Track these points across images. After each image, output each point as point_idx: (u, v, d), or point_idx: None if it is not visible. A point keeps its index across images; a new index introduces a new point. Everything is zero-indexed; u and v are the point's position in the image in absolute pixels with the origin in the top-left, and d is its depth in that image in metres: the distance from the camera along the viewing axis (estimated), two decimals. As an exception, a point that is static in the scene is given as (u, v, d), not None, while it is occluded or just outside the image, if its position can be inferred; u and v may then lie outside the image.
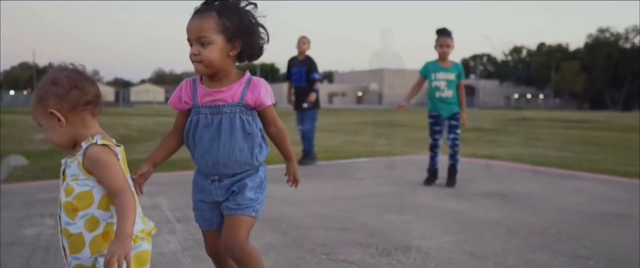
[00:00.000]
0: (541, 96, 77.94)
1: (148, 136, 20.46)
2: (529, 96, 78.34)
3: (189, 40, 1.83)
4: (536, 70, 76.51)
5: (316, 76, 6.80)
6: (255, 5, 1.91)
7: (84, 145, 1.55)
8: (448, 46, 5.20)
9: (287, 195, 4.75)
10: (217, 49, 1.81)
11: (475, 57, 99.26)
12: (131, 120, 25.84)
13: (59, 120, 1.56)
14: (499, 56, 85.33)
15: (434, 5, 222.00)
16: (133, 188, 1.61)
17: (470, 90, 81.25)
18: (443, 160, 5.51)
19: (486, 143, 13.03)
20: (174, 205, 4.35)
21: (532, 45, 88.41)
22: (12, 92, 56.32)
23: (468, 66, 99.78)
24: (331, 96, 73.08)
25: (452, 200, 4.60)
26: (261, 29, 1.89)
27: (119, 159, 1.58)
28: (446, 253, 3.08)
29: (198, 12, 1.83)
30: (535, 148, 11.13)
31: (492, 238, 3.40)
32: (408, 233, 3.51)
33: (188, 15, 1.87)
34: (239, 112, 1.88)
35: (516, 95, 75.89)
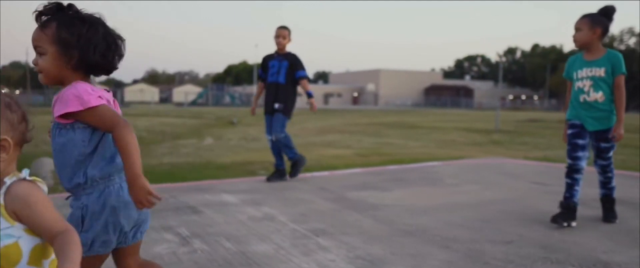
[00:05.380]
0: (535, 97, 78.19)
1: (159, 137, 20.00)
2: (523, 97, 78.56)
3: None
4: (531, 72, 76.73)
5: (304, 74, 5.44)
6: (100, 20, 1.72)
7: (7, 181, 1.24)
8: (577, 30, 3.64)
9: (399, 203, 4.37)
10: (51, 59, 1.65)
11: (469, 58, 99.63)
12: (134, 120, 25.28)
13: (3, 151, 1.28)
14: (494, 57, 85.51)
15: (429, 6, 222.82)
16: None
17: (467, 92, 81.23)
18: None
19: (521, 145, 12.76)
20: (289, 214, 3.94)
21: (526, 46, 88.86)
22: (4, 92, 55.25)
23: (462, 67, 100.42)
24: (327, 97, 72.73)
25: (582, 209, 4.24)
26: (109, 42, 1.70)
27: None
28: (655, 272, 2.73)
29: (39, 20, 1.68)
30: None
31: (682, 253, 3.05)
32: (584, 246, 3.16)
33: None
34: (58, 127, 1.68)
35: (511, 97, 76.08)
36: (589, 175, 4.42)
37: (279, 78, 5.36)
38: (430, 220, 3.79)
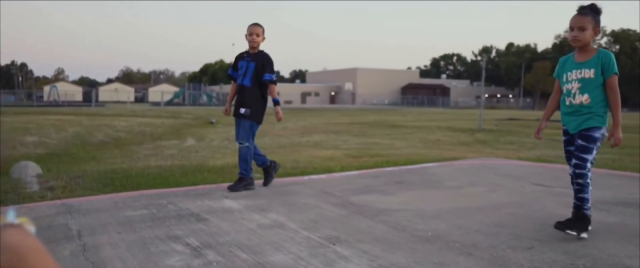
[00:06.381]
0: (510, 96, 79.29)
1: (139, 138, 19.65)
2: (498, 95, 79.57)
3: None
4: (506, 70, 77.76)
5: (273, 77, 5.04)
6: None
7: None
8: (581, 29, 3.37)
9: (407, 207, 4.28)
10: None
11: (445, 57, 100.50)
12: (112, 121, 24.91)
13: None
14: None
15: (406, 6, 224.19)
16: None
17: (443, 91, 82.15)
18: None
19: (507, 144, 12.83)
20: (298, 221, 3.82)
21: (501, 45, 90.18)
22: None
23: (438, 66, 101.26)
24: (304, 96, 72.65)
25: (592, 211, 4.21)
26: None
27: None
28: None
29: None
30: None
31: None
32: (606, 251, 3.12)
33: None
34: None
35: (486, 95, 77.07)
36: (594, 177, 4.40)
37: (244, 81, 5.04)
38: (444, 225, 3.71)
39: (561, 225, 3.38)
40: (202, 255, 3.03)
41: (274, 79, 5.06)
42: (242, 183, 5.06)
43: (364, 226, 3.69)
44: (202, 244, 3.24)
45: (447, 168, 6.66)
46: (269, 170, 5.32)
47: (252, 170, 5.15)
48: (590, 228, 3.59)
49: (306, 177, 5.96)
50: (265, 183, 5.30)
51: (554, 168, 6.68)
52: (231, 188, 5.02)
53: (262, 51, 5.12)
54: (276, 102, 5.06)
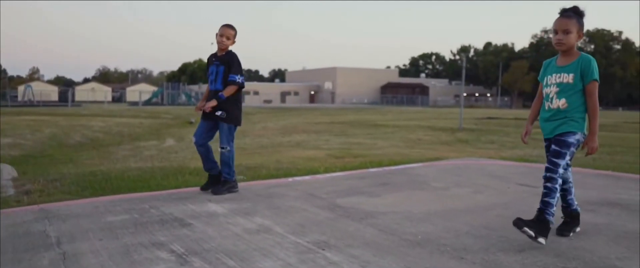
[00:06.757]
0: (488, 94, 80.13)
1: (117, 138, 19.36)
2: (477, 94, 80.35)
3: None
4: (484, 70, 78.53)
5: (236, 78, 4.83)
6: None
7: None
8: (566, 32, 3.33)
9: (394, 210, 4.23)
10: None
11: (424, 56, 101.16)
12: (89, 121, 24.54)
13: None
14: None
15: (385, 6, 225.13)
16: None
17: (422, 90, 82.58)
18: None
19: (488, 144, 12.91)
20: (284, 225, 3.75)
21: (479, 44, 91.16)
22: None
23: (417, 65, 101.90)
24: (284, 95, 72.45)
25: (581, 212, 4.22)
26: None
27: None
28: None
29: None
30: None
31: (693, 258, 3.03)
32: (596, 253, 3.11)
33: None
34: None
35: (465, 94, 77.81)
36: (578, 177, 4.41)
37: (216, 86, 4.92)
38: (433, 228, 3.67)
39: (521, 222, 3.21)
40: (188, 262, 2.93)
41: (237, 81, 4.86)
42: (225, 186, 4.97)
43: (353, 230, 3.63)
44: (187, 251, 3.14)
45: (431, 169, 6.64)
46: (217, 181, 5.04)
47: (235, 173, 5.06)
48: (578, 229, 3.59)
49: (290, 179, 5.89)
50: (204, 188, 5.05)
51: (538, 168, 6.70)
52: (214, 192, 4.92)
53: (230, 51, 4.97)
54: (219, 97, 4.82)
